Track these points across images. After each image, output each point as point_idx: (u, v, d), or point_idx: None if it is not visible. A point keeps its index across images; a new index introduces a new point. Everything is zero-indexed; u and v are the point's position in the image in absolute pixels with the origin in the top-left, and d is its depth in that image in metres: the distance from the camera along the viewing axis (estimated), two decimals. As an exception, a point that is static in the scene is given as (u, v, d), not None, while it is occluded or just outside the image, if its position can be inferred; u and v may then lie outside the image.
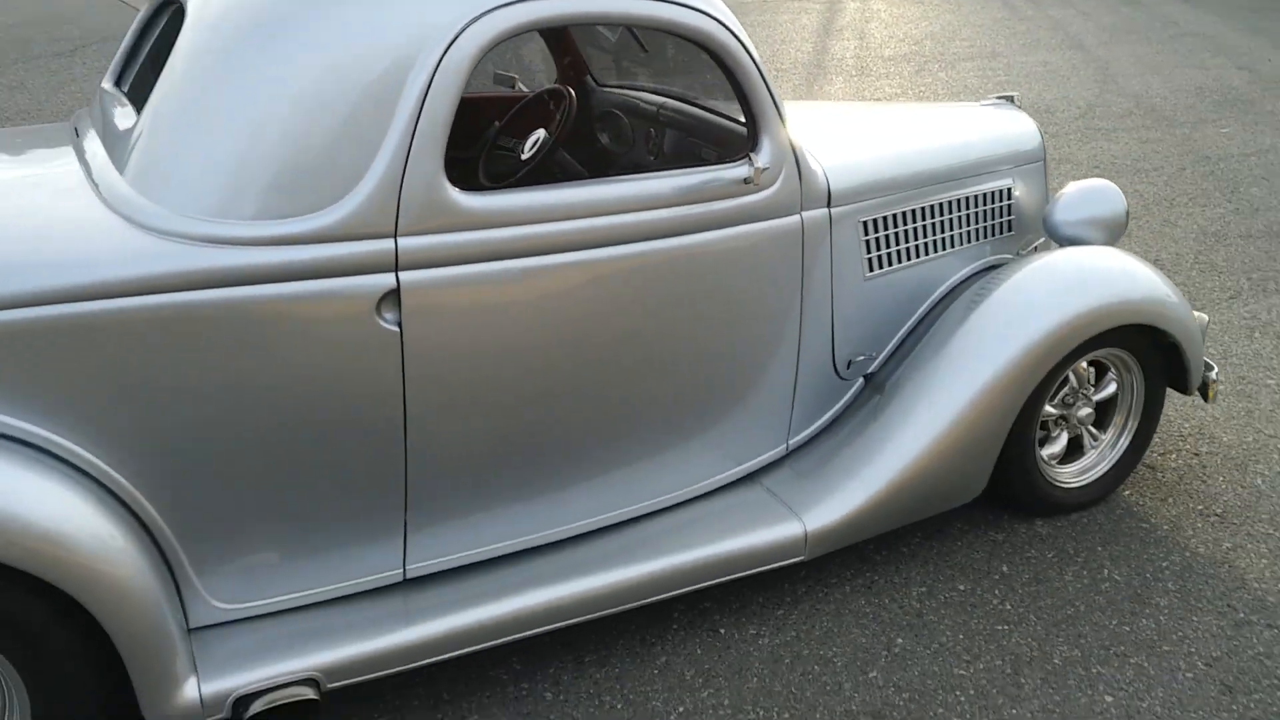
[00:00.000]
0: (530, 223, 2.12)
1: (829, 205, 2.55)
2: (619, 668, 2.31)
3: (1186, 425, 3.23)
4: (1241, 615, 2.40)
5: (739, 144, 2.46)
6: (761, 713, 2.17)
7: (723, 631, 2.42)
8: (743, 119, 2.44)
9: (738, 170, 2.34)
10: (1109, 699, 2.17)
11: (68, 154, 2.30)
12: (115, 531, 1.86)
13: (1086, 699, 2.17)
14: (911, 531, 2.75)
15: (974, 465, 2.62)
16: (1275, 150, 6.39)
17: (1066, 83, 8.22)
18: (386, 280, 2.00)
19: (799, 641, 2.38)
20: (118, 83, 2.67)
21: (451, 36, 2.01)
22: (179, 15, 2.33)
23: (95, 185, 2.06)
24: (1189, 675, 2.23)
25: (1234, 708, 2.13)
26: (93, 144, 2.28)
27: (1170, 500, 2.87)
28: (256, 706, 1.95)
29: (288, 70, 1.97)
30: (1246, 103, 7.63)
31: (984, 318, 2.68)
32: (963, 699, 2.19)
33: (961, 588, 2.55)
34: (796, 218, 2.48)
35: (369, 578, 2.19)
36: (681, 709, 2.20)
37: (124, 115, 2.29)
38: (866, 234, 2.67)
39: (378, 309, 2.01)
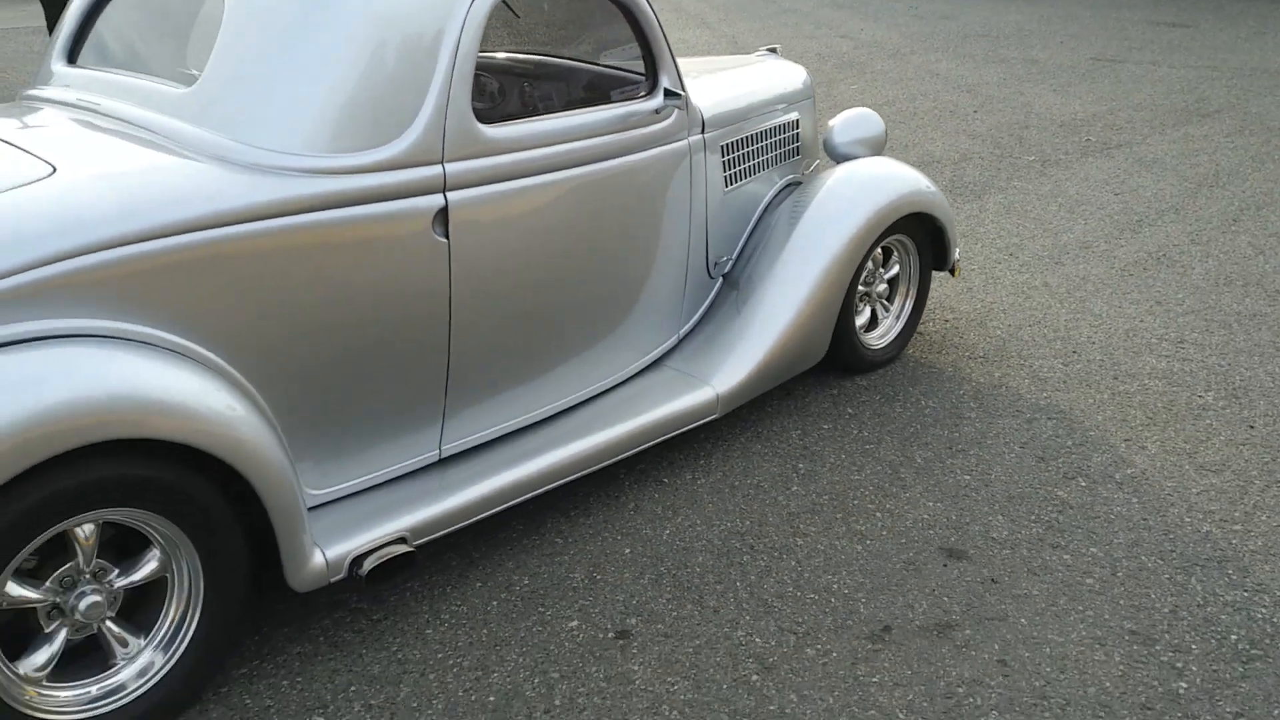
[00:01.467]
0: (526, 149, 2.53)
1: (703, 132, 3.14)
2: (602, 515, 2.78)
3: (934, 298, 4.16)
4: (1030, 415, 3.30)
5: (629, 85, 2.98)
6: (730, 522, 2.74)
7: (666, 481, 2.95)
8: (625, 68, 2.97)
9: (650, 103, 2.87)
10: (966, 478, 2.95)
11: (90, 118, 2.41)
12: (261, 422, 2.09)
13: (952, 480, 2.95)
14: (770, 396, 3.41)
15: (820, 334, 3.33)
16: (897, 101, 7.77)
17: (710, 54, 9.32)
18: (437, 200, 2.36)
19: (729, 477, 2.97)
20: (71, 59, 2.76)
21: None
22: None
23: (166, 137, 2.25)
24: (1012, 455, 3.07)
25: (1050, 469, 2.99)
26: (121, 106, 2.41)
27: (944, 351, 3.75)
28: (369, 563, 2.25)
29: (352, 26, 2.27)
30: (859, 65, 9.10)
31: (812, 220, 3.38)
32: (867, 493, 2.88)
33: (826, 426, 3.25)
34: (686, 142, 3.04)
35: (416, 458, 2.53)
36: (668, 531, 2.72)
37: (147, 80, 2.46)
38: (723, 156, 3.29)
39: (432, 224, 2.35)
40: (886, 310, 3.69)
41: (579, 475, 2.70)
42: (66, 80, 2.68)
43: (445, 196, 2.38)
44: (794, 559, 2.60)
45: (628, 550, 2.64)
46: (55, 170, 2.08)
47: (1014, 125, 7.03)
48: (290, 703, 2.15)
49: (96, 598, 2.00)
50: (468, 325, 2.52)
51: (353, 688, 2.19)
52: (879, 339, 3.65)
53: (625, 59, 3.08)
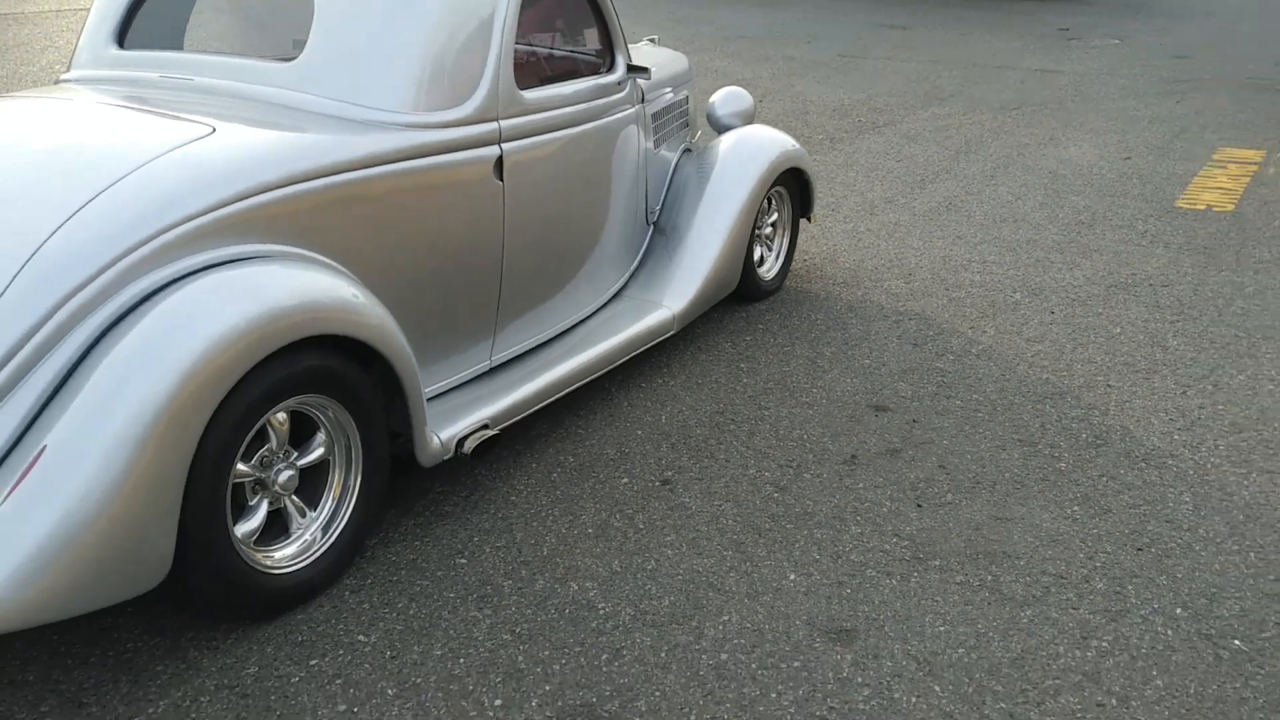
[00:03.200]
0: (547, 110, 3.19)
1: (642, 101, 3.88)
2: (607, 412, 3.47)
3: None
4: (895, 318, 4.23)
5: (592, 63, 3.66)
6: (708, 406, 3.48)
7: (644, 385, 3.67)
8: (586, 49, 3.66)
9: (613, 76, 3.59)
10: (867, 361, 3.83)
11: (192, 90, 2.89)
12: (395, 324, 2.63)
13: (857, 364, 3.82)
14: (698, 321, 4.17)
15: (735, 266, 4.13)
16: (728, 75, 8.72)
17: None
18: (495, 150, 2.98)
19: (692, 378, 3.71)
20: (121, 42, 3.17)
21: None
22: None
23: (281, 103, 2.77)
24: (894, 344, 3.98)
25: (925, 351, 3.92)
26: (216, 80, 2.88)
27: (812, 281, 4.64)
28: (469, 444, 2.83)
29: (431, 6, 2.86)
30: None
31: (721, 176, 4.18)
32: (799, 378, 3.70)
33: (749, 338, 4.05)
34: (636, 109, 3.77)
35: (474, 367, 3.13)
36: (664, 416, 3.43)
37: (227, 57, 2.94)
38: (651, 123, 4.04)
39: (493, 170, 2.97)
40: (769, 249, 4.54)
41: (589, 380, 3.37)
42: (129, 62, 3.08)
43: (500, 147, 3.01)
44: (766, 424, 3.38)
45: (639, 432, 3.34)
46: (215, 130, 2.55)
47: (797, 111, 8.15)
48: (431, 553, 2.72)
49: (290, 472, 2.50)
50: (515, 252, 3.15)
51: (475, 539, 2.78)
52: (768, 272, 4.49)
53: (576, 44, 3.77)
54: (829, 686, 2.25)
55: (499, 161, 3.02)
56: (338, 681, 2.29)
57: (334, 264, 2.60)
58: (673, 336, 3.94)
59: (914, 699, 2.22)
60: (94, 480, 2.06)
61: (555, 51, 3.72)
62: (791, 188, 4.51)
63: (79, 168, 2.40)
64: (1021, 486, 3.01)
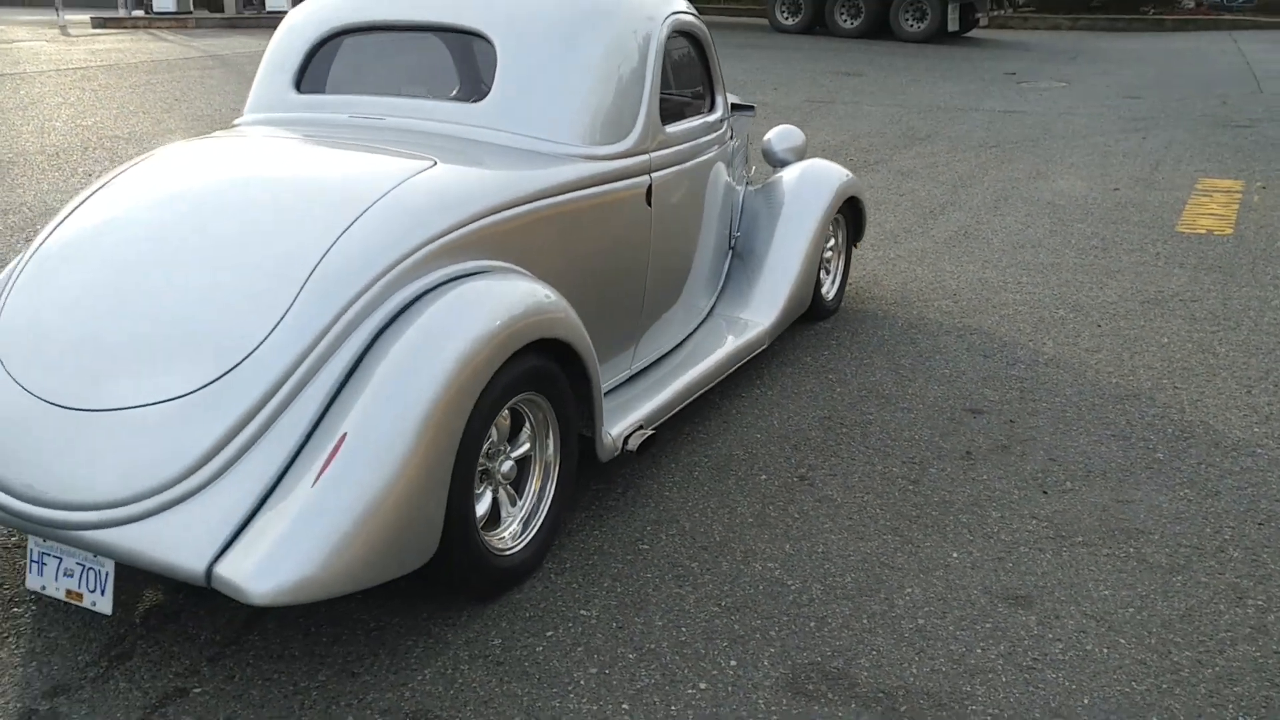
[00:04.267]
0: (678, 144, 3.45)
1: (731, 139, 4.15)
2: (721, 421, 3.70)
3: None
4: (957, 333, 4.54)
5: (697, 102, 3.94)
6: (813, 412, 3.73)
7: (745, 395, 3.91)
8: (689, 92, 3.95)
9: (716, 114, 3.86)
10: (946, 370, 4.12)
11: (388, 130, 3.14)
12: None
13: (938, 373, 4.11)
14: (773, 343, 4.43)
15: (809, 288, 4.40)
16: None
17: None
18: (646, 180, 3.23)
19: (787, 389, 3.96)
20: (298, 87, 3.42)
21: (661, 24, 3.28)
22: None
23: (473, 140, 3.02)
24: (965, 356, 4.28)
25: (997, 361, 4.23)
26: (404, 120, 3.13)
27: (865, 303, 4.94)
28: (632, 442, 3.04)
29: (601, 54, 3.15)
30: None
31: (793, 205, 4.46)
32: (888, 386, 3.97)
33: (826, 354, 4.32)
34: (729, 145, 4.04)
35: (619, 374, 3.35)
36: (775, 422, 3.67)
37: (411, 99, 3.23)
38: (731, 159, 4.31)
39: (645, 197, 3.22)
40: (827, 272, 4.83)
41: (709, 387, 3.60)
42: (311, 105, 3.32)
43: (650, 177, 3.26)
44: (875, 426, 3.64)
45: (758, 435, 3.58)
46: (436, 163, 2.77)
47: (793, 149, 8.51)
48: (614, 541, 2.91)
49: (510, 463, 2.69)
50: (654, 270, 3.40)
51: (648, 529, 2.98)
52: (827, 293, 4.78)
53: (687, 85, 4.05)
54: (1025, 642, 2.50)
55: (649, 189, 3.27)
56: (579, 649, 2.47)
57: (530, 275, 2.82)
58: (761, 351, 4.19)
59: (1104, 650, 2.47)
60: (386, 463, 2.25)
61: (674, 93, 4.00)
62: (846, 215, 4.82)
63: (329, 197, 2.65)
64: (1129, 474, 3.31)
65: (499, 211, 2.73)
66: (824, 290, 4.74)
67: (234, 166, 2.88)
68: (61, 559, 2.43)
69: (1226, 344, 4.40)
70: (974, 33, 19.28)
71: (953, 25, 17.68)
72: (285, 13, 17.86)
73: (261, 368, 2.34)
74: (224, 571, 2.17)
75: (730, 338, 3.88)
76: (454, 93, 3.51)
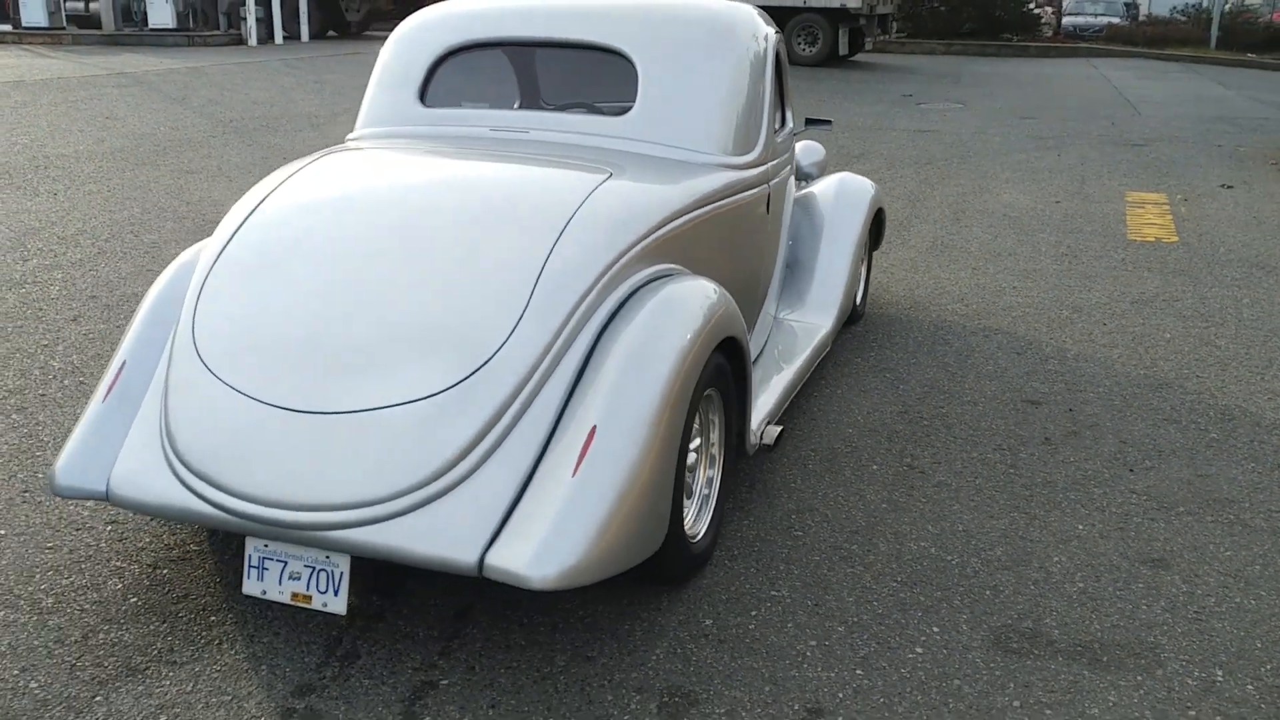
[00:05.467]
0: (780, 155, 3.66)
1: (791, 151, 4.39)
2: (808, 421, 3.90)
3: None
4: (984, 333, 4.85)
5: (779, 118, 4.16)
6: (890, 406, 3.97)
7: (827, 392, 4.11)
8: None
9: (789, 127, 4.09)
10: (990, 366, 4.42)
11: (533, 141, 3.27)
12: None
13: (985, 369, 4.40)
14: (814, 341, 4.66)
15: (855, 294, 4.67)
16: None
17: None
18: (767, 188, 3.42)
19: (854, 389, 4.19)
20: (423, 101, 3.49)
21: (769, 41, 3.48)
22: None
23: (621, 152, 3.17)
24: (996, 349, 4.60)
25: (1033, 356, 4.55)
26: (548, 131, 3.25)
27: (883, 307, 5.22)
28: (768, 435, 3.20)
29: (733, 72, 3.32)
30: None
31: (837, 214, 4.71)
32: (943, 382, 4.25)
33: (873, 354, 4.58)
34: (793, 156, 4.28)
35: None
36: (859, 414, 3.89)
37: (553, 112, 3.37)
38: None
39: (765, 204, 3.41)
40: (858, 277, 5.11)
41: (800, 386, 3.81)
42: (440, 119, 3.41)
43: (769, 185, 3.46)
44: (951, 418, 3.91)
45: (850, 430, 3.79)
46: (611, 174, 2.89)
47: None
48: (765, 530, 3.08)
49: (693, 455, 2.82)
50: (765, 276, 3.60)
51: (792, 518, 3.16)
52: (857, 297, 5.05)
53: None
54: (1180, 599, 2.78)
55: (769, 198, 3.48)
56: (790, 625, 2.62)
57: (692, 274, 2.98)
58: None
59: (1253, 602, 2.77)
60: (633, 453, 2.37)
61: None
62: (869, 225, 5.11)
63: (532, 205, 2.77)
64: (1196, 452, 3.66)
65: (678, 217, 2.89)
66: (855, 295, 5.01)
67: (419, 175, 2.96)
68: (287, 562, 2.45)
69: (1223, 338, 4.84)
70: (859, 57, 20.14)
71: (843, 49, 18.43)
72: (169, 30, 17.30)
73: (507, 364, 2.43)
74: (497, 561, 2.26)
75: (805, 340, 4.09)
76: (589, 106, 3.63)
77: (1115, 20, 26.20)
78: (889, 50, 22.59)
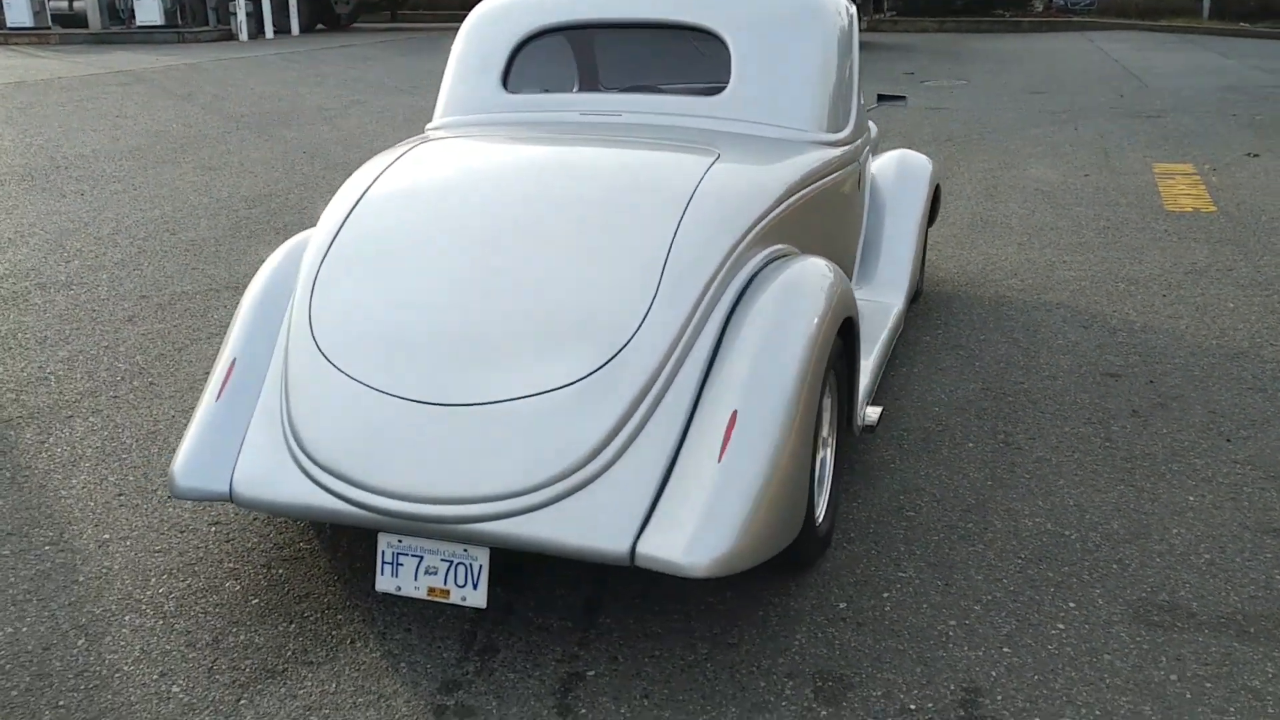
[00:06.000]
0: (866, 131, 3.63)
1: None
2: (891, 400, 3.87)
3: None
4: (1039, 307, 4.83)
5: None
6: (970, 384, 3.94)
7: (904, 371, 4.09)
8: None
9: (861, 102, 4.05)
10: (1061, 341, 4.41)
11: (625, 125, 3.22)
12: None
13: (1056, 342, 4.38)
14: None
15: (919, 269, 4.63)
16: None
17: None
18: (858, 165, 3.38)
19: (930, 367, 4.16)
20: (504, 85, 3.47)
21: (851, 17, 3.44)
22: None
23: (718, 131, 3.13)
24: (1062, 323, 4.58)
25: (1099, 330, 4.53)
26: (641, 113, 3.23)
27: (937, 284, 5.20)
28: (870, 416, 3.17)
29: (819, 45, 3.27)
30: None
31: (893, 192, 4.66)
32: (1017, 358, 4.22)
33: (939, 332, 4.55)
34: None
35: None
36: (942, 393, 3.86)
37: (642, 94, 3.33)
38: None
39: (858, 181, 3.38)
40: (913, 255, 5.08)
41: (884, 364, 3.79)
42: (527, 104, 3.36)
43: (859, 162, 3.42)
44: (1035, 393, 3.88)
45: (936, 409, 3.77)
46: (719, 155, 2.85)
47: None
48: (875, 513, 3.05)
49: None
50: (854, 254, 3.56)
51: (900, 498, 3.13)
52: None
53: None
54: (1309, 567, 2.77)
55: (860, 174, 3.44)
56: (925, 606, 2.60)
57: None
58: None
59: (1381, 567, 2.76)
60: (774, 437, 2.34)
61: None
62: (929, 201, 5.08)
63: (648, 190, 2.73)
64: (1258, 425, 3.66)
65: (789, 197, 2.86)
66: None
67: (523, 162, 2.91)
68: (422, 557, 2.41)
69: (1287, 305, 4.84)
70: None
71: (840, 29, 18.35)
72: (157, 26, 17.04)
73: (642, 351, 2.39)
74: (649, 550, 2.22)
75: (882, 319, 4.06)
76: (677, 86, 3.58)
77: (1107, -7, 26.21)
78: (882, 29, 22.51)
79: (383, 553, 2.44)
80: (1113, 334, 4.50)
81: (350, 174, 8.29)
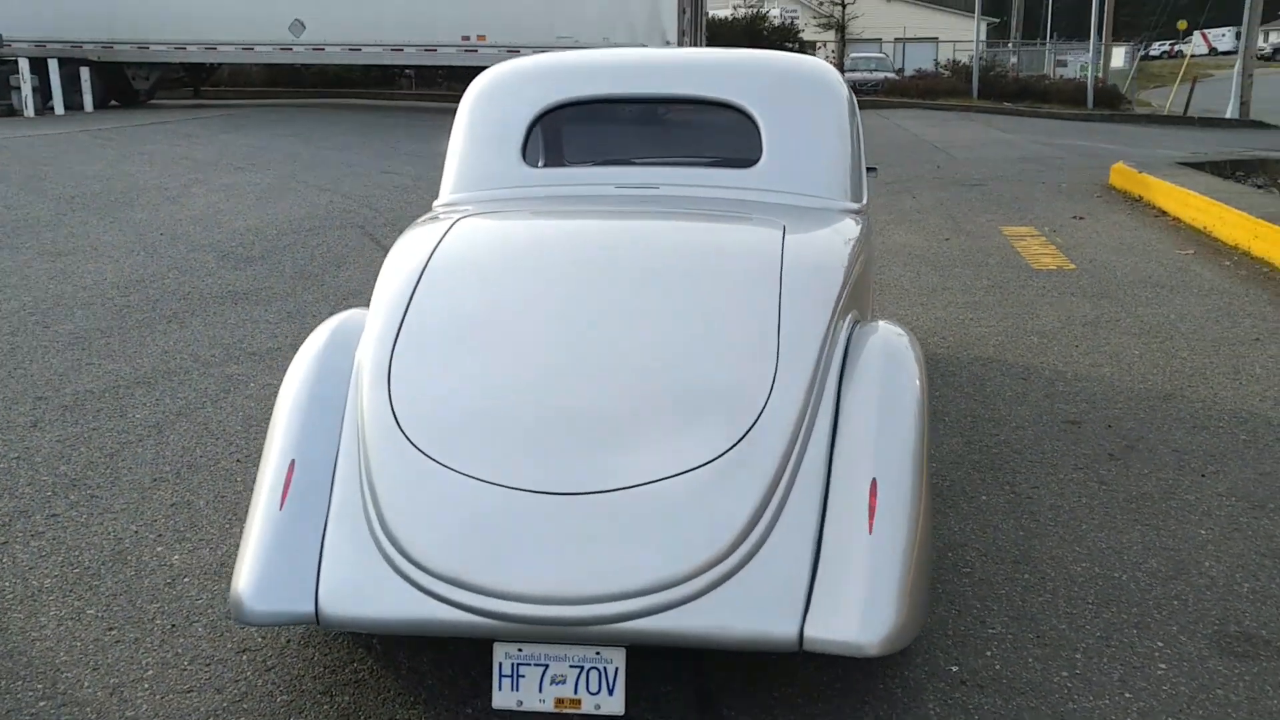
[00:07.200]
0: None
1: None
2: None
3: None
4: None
5: None
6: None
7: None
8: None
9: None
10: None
11: (662, 198, 3.19)
12: None
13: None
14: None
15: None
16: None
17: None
18: (870, 230, 3.45)
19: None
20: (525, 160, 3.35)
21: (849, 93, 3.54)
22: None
23: (754, 202, 3.16)
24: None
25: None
26: (675, 185, 3.22)
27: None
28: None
29: (837, 118, 3.39)
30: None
31: None
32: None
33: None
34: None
35: None
36: (934, 449, 3.95)
37: (672, 167, 3.34)
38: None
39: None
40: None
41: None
42: (553, 179, 3.27)
43: (871, 229, 3.50)
44: (1016, 444, 4.03)
45: (934, 464, 3.83)
46: (785, 226, 2.85)
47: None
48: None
49: None
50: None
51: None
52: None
53: None
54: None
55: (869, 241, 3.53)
56: (1030, 660, 2.62)
57: None
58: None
59: (1400, 582, 2.99)
60: (912, 504, 2.33)
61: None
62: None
63: (732, 262, 2.75)
64: (1240, 454, 3.92)
65: (854, 265, 2.89)
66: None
67: (586, 236, 2.83)
68: (548, 665, 2.23)
69: (1182, 350, 5.23)
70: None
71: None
72: (82, 111, 15.70)
73: (775, 422, 2.33)
74: (818, 632, 2.14)
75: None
76: (705, 158, 3.54)
77: (890, 75, 28.28)
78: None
79: (499, 664, 2.24)
80: (1051, 384, 4.74)
81: (249, 257, 7.73)
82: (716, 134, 3.60)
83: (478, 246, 2.80)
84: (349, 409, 2.51)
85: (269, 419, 4.25)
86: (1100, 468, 3.81)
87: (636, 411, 2.34)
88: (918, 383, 2.54)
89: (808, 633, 2.14)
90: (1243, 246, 7.45)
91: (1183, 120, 22.15)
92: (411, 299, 2.62)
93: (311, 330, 2.88)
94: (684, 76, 3.36)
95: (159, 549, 3.26)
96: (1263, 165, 11.18)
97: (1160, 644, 2.69)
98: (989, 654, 2.65)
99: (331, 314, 3.03)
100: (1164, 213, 9.17)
